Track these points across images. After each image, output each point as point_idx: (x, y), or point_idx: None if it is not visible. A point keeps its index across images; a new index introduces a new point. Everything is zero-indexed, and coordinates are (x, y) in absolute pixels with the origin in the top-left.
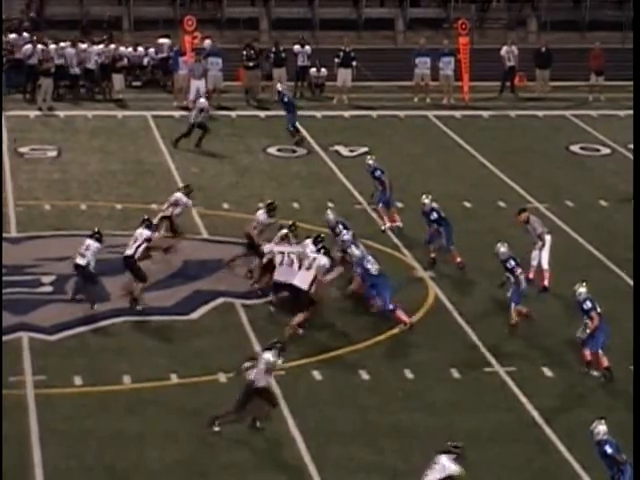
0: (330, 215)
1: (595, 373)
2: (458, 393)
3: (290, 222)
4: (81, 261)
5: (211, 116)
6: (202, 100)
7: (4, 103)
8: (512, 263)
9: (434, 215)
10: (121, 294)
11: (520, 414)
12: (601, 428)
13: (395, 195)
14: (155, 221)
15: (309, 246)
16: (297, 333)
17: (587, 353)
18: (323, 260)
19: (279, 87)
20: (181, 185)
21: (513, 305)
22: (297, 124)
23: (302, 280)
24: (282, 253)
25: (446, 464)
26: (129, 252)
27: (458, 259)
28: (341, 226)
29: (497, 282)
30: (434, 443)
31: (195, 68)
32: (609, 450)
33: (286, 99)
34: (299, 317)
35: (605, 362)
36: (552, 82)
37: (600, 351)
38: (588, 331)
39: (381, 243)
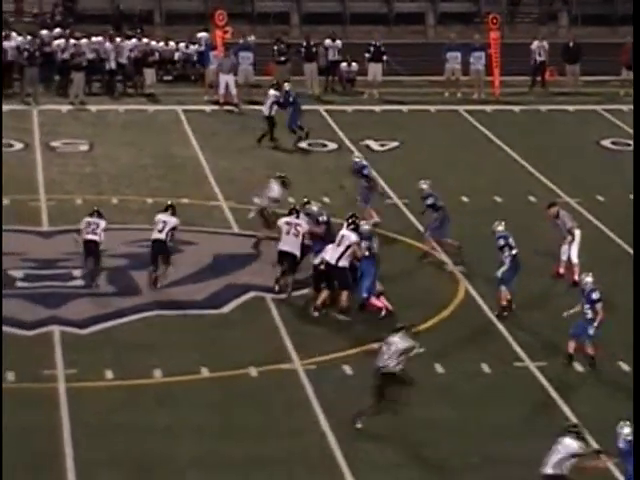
0: (314, 207)
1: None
2: (488, 387)
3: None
4: (96, 238)
5: (242, 111)
6: (272, 92)
7: (37, 97)
8: (501, 242)
9: (429, 201)
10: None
11: (550, 409)
12: (627, 430)
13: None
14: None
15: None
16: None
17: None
18: (353, 236)
19: (286, 86)
20: (277, 174)
21: (503, 288)
22: (300, 123)
23: (331, 256)
24: (289, 224)
25: (569, 443)
26: (161, 236)
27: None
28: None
29: (527, 276)
30: (464, 437)
31: (224, 63)
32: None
33: (291, 99)
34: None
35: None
36: (583, 77)
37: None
38: (596, 324)
39: (411, 237)
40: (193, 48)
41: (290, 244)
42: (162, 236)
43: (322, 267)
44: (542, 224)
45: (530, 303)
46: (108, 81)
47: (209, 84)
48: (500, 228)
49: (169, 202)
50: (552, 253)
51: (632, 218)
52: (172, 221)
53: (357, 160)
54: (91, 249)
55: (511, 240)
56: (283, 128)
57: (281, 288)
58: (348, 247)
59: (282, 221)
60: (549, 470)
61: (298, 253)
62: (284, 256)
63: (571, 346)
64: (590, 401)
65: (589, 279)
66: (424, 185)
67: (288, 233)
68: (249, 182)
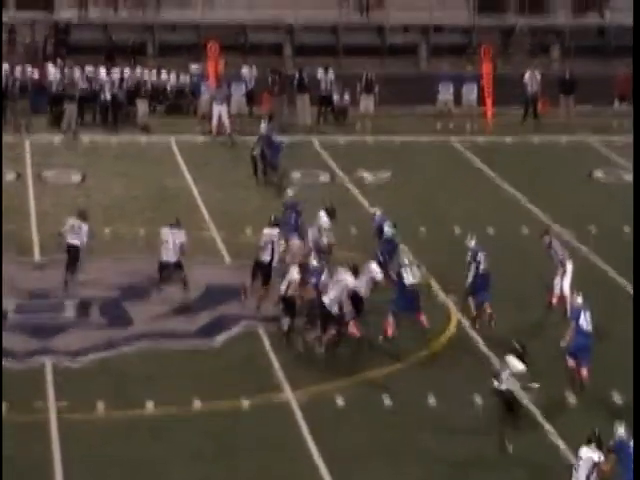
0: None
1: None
2: (481, 418)
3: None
4: (76, 241)
5: (234, 142)
6: (263, 125)
7: (29, 127)
8: (468, 257)
9: (383, 231)
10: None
11: (543, 439)
12: (621, 430)
13: (418, 220)
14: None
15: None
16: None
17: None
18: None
19: (262, 127)
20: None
21: (469, 299)
22: (278, 164)
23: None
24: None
25: (589, 455)
26: (172, 259)
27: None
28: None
29: (520, 306)
30: (458, 468)
31: (217, 93)
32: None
33: (274, 138)
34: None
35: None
36: (576, 108)
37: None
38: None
39: None
40: (185, 79)
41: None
42: (174, 259)
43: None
44: (534, 254)
45: (523, 333)
46: (103, 112)
47: (201, 115)
48: (472, 243)
49: (176, 218)
50: (545, 283)
51: (624, 248)
52: (181, 237)
53: (377, 214)
54: (71, 254)
55: (480, 255)
56: (305, 156)
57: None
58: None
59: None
60: None
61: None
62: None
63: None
64: (583, 431)
65: (579, 300)
66: (378, 212)
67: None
68: (242, 213)
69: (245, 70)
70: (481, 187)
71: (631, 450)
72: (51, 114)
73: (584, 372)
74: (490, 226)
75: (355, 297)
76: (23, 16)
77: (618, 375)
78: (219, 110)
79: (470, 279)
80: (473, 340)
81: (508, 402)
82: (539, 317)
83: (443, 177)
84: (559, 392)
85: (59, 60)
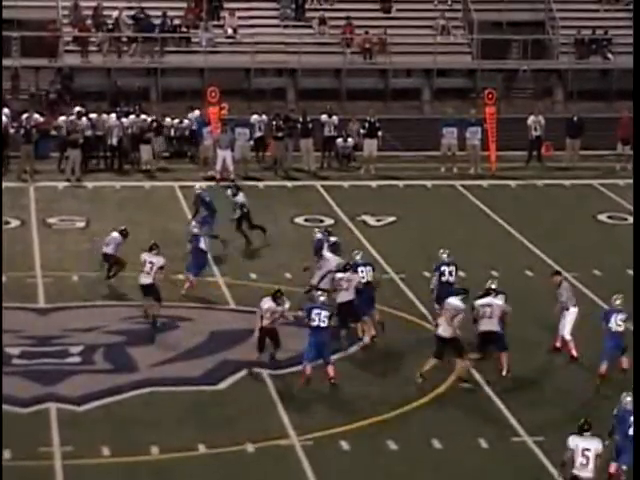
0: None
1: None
2: (486, 463)
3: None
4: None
5: (238, 186)
6: (239, 197)
7: (34, 174)
8: (433, 268)
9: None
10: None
11: None
12: (628, 398)
13: (422, 265)
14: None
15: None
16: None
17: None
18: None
19: (197, 188)
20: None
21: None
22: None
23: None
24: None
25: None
26: (148, 281)
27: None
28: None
29: (524, 350)
30: None
31: (221, 138)
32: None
33: (207, 199)
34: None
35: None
36: (580, 151)
37: None
38: None
39: (409, 313)
40: (187, 123)
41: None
42: (150, 280)
43: None
44: (539, 298)
45: (528, 377)
46: (108, 157)
47: (204, 160)
48: (444, 256)
49: (153, 241)
50: (550, 327)
51: (626, 291)
52: (159, 261)
53: (318, 236)
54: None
55: (445, 268)
56: (310, 201)
57: None
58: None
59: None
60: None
61: None
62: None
63: (603, 368)
64: None
65: (619, 302)
66: (319, 234)
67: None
68: (245, 257)
69: (255, 117)
70: (485, 231)
71: (631, 420)
72: (58, 160)
73: (624, 362)
74: (494, 269)
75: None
76: (27, 62)
77: None
78: (224, 155)
79: (432, 286)
80: (478, 383)
81: None
82: (544, 361)
83: (447, 221)
84: (564, 438)
85: (63, 106)
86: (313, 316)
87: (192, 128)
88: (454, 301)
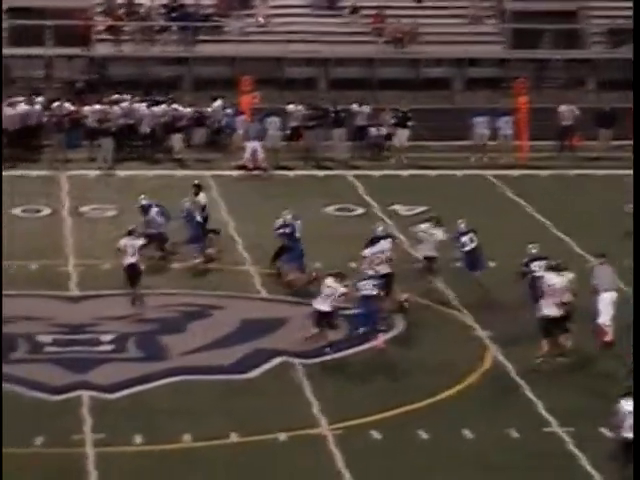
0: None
1: None
2: (516, 453)
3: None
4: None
5: (269, 176)
6: (201, 198)
7: (66, 163)
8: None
9: (285, 230)
10: None
11: (579, 475)
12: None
13: (452, 254)
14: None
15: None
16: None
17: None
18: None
19: (186, 204)
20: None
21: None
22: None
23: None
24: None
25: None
26: (133, 260)
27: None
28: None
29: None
30: None
31: (250, 128)
32: None
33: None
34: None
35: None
36: (611, 141)
37: None
38: None
39: (437, 301)
40: (221, 113)
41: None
42: (134, 260)
43: None
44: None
45: (559, 368)
46: (141, 146)
47: (236, 149)
48: (462, 226)
49: (131, 227)
50: (580, 316)
51: None
52: (138, 243)
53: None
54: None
55: (464, 238)
56: (340, 190)
57: None
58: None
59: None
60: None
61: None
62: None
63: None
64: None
65: None
66: (288, 216)
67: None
68: (276, 246)
69: (291, 106)
70: (516, 221)
71: None
72: (89, 149)
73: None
74: (525, 259)
75: None
76: (60, 52)
77: None
78: (252, 145)
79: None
80: (509, 374)
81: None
82: (575, 349)
83: (478, 211)
84: (594, 428)
85: (90, 95)
86: (362, 286)
87: (217, 117)
88: (555, 279)
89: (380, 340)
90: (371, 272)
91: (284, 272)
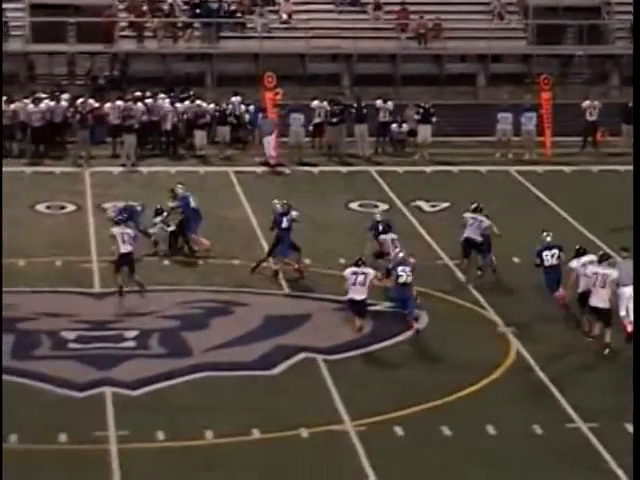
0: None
1: None
2: (540, 449)
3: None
4: (128, 249)
5: (293, 171)
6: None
7: (89, 160)
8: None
9: (283, 222)
10: None
11: (603, 472)
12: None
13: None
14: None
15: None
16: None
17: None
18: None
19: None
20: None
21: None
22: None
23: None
24: (355, 274)
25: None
26: (129, 249)
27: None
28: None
29: (578, 334)
30: None
31: (263, 125)
32: None
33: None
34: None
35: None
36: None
37: None
38: None
39: (462, 298)
40: (244, 109)
41: (359, 293)
42: (130, 248)
43: None
44: None
45: (584, 364)
46: (164, 142)
47: (259, 145)
48: (548, 239)
49: (119, 217)
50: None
51: None
52: (131, 232)
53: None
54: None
55: (547, 253)
56: (364, 186)
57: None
58: None
59: (348, 271)
60: None
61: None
62: (355, 304)
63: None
64: None
65: None
66: (278, 205)
67: (355, 283)
68: (298, 243)
69: (316, 102)
70: (539, 216)
71: None
72: (112, 146)
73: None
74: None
75: None
76: (83, 48)
77: None
78: (268, 141)
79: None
80: (532, 370)
81: None
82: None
83: (501, 207)
84: (619, 425)
85: (111, 92)
86: (399, 273)
87: (235, 113)
88: (607, 270)
89: (414, 327)
90: (402, 254)
91: (288, 263)
